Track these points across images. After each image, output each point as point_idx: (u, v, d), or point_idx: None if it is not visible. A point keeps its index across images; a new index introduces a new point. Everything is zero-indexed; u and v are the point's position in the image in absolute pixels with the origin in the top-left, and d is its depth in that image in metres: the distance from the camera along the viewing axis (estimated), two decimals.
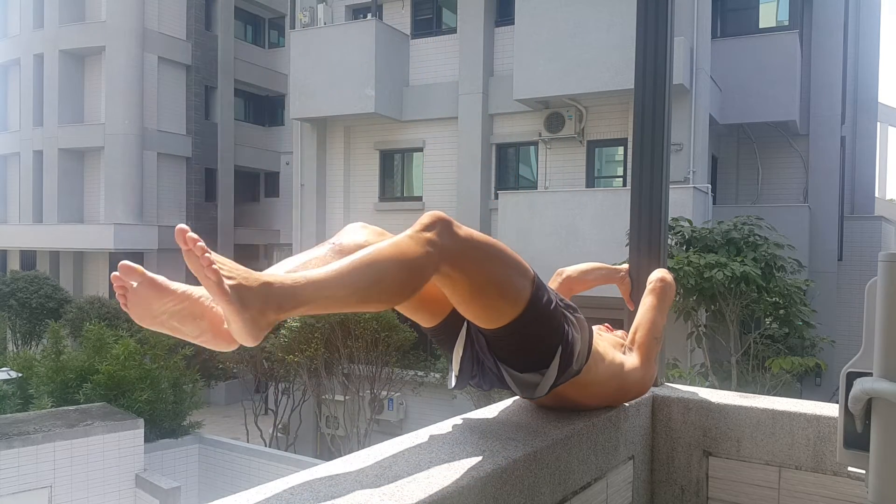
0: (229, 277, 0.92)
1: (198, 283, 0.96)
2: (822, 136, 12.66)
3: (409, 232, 1.11)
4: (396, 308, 1.27)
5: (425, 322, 1.37)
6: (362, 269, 1.03)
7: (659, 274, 1.82)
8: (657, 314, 1.72)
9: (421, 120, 13.07)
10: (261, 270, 1.01)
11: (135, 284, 0.98)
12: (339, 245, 1.22)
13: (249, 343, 0.96)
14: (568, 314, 1.35)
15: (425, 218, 1.13)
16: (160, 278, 0.98)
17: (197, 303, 0.99)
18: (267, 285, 0.94)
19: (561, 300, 1.37)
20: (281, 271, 1.09)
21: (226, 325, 0.96)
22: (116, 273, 0.98)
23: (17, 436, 7.68)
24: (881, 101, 17.60)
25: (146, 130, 20.20)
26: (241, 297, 0.92)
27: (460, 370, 1.37)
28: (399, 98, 13.09)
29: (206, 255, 0.90)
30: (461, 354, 1.35)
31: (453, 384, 1.41)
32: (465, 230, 1.17)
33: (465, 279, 1.17)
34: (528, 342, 1.29)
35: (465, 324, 1.33)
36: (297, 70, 13.46)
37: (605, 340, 1.60)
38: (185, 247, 0.91)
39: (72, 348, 12.43)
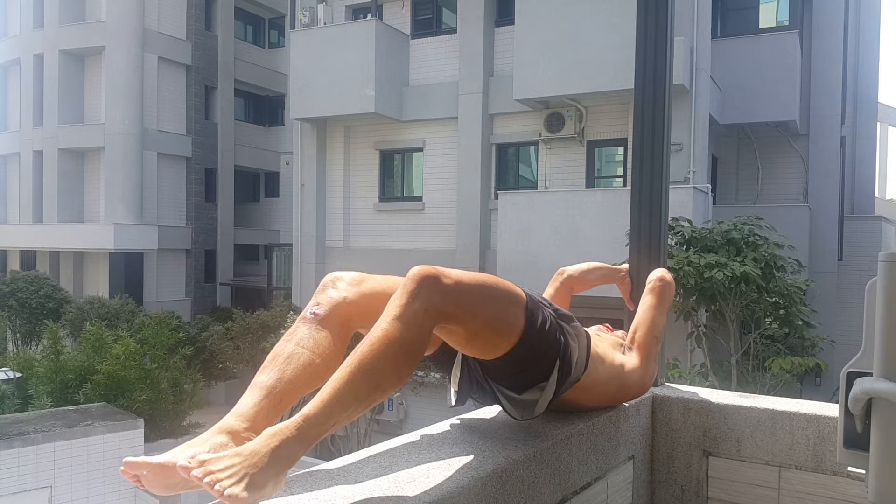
0: (240, 478, 0.91)
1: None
2: (822, 136, 12.66)
3: (396, 304, 1.06)
4: None
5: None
6: (359, 380, 1.01)
7: (658, 273, 1.82)
8: (656, 314, 1.72)
9: (421, 120, 13.07)
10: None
11: (145, 472, 0.99)
12: (319, 317, 1.17)
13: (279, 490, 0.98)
14: (563, 325, 1.35)
15: (410, 284, 1.08)
16: (166, 459, 0.98)
17: (207, 472, 0.98)
18: (275, 451, 0.94)
19: (556, 311, 1.36)
20: (258, 402, 1.08)
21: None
22: (124, 469, 1.00)
23: (17, 436, 7.68)
24: (881, 101, 17.61)
25: (146, 130, 20.20)
26: (254, 483, 0.92)
27: (459, 388, 1.38)
28: (399, 98, 13.09)
29: (206, 479, 0.90)
30: (459, 375, 1.36)
31: (453, 403, 1.41)
32: (453, 278, 1.12)
33: (460, 328, 1.16)
34: (525, 364, 1.29)
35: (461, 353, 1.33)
36: (297, 70, 13.45)
37: (605, 341, 1.60)
38: (198, 481, 0.91)
39: (71, 348, 12.44)
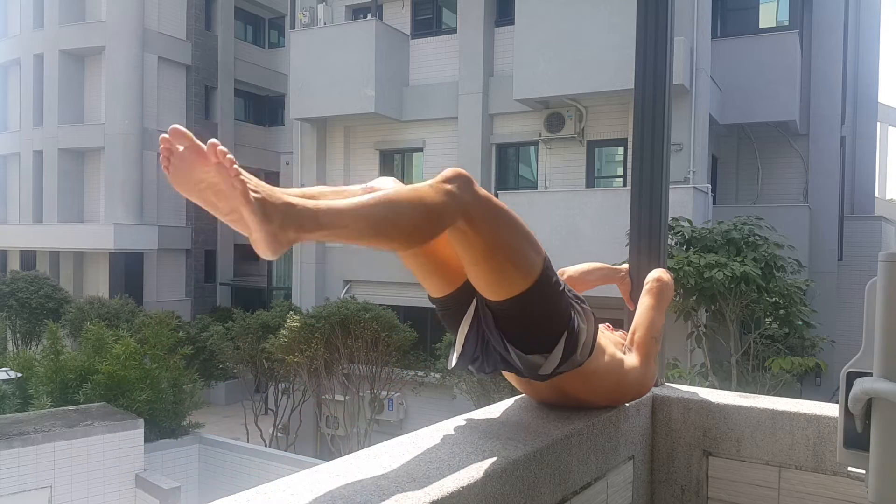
0: (255, 191, 0.95)
1: None
2: (822, 135, 12.66)
3: (430, 182, 1.14)
4: (411, 268, 1.32)
5: (436, 289, 1.36)
6: (381, 205, 1.07)
7: (656, 274, 1.82)
8: (655, 314, 1.72)
9: (421, 120, 13.07)
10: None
11: (181, 148, 0.99)
12: (369, 188, 1.24)
13: (268, 256, 0.99)
14: (575, 304, 1.37)
15: (447, 172, 1.16)
16: (205, 148, 1.00)
17: (235, 179, 1.01)
18: (289, 205, 0.98)
19: (569, 289, 1.39)
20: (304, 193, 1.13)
21: (249, 235, 0.99)
22: (165, 135, 1.00)
23: (17, 436, 7.68)
24: (881, 100, 17.61)
25: (146, 130, 20.20)
26: (265, 209, 0.95)
27: (463, 350, 1.36)
28: (399, 98, 13.09)
29: (235, 165, 0.93)
30: (466, 331, 1.35)
31: (454, 363, 1.40)
32: (484, 191, 1.20)
33: (479, 238, 1.19)
34: (535, 320, 1.30)
35: (474, 301, 1.33)
36: (297, 70, 13.46)
37: (606, 338, 1.60)
38: (214, 159, 0.94)
39: (71, 348, 12.44)
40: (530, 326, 1.31)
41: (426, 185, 1.13)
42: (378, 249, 1.14)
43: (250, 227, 0.96)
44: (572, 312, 1.34)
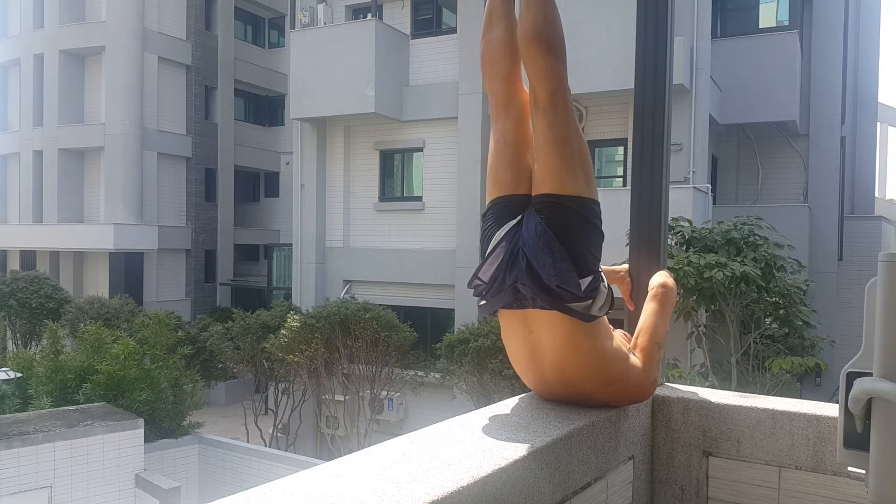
0: None
1: None
2: (822, 136, 12.66)
3: None
4: (495, 151, 1.50)
5: (500, 186, 1.47)
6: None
7: (660, 279, 1.81)
8: (659, 320, 1.72)
9: (421, 120, 13.06)
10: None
11: None
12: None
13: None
14: (600, 270, 1.48)
15: None
16: None
17: None
18: None
19: None
20: None
21: None
22: None
23: (17, 436, 7.68)
24: (881, 101, 17.61)
25: (146, 130, 20.21)
26: None
27: (492, 251, 1.42)
28: (399, 98, 13.09)
29: None
30: (504, 232, 1.42)
31: (474, 284, 1.47)
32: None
33: (564, 123, 1.40)
34: (578, 234, 1.40)
35: (523, 215, 1.42)
36: (297, 70, 13.45)
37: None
38: None
39: (71, 348, 12.43)
40: (572, 238, 1.39)
41: None
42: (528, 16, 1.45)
43: None
44: (598, 268, 1.46)
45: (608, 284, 1.49)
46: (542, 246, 1.36)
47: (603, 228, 1.50)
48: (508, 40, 1.49)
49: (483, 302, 1.47)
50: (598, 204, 1.45)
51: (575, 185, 1.39)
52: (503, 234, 1.41)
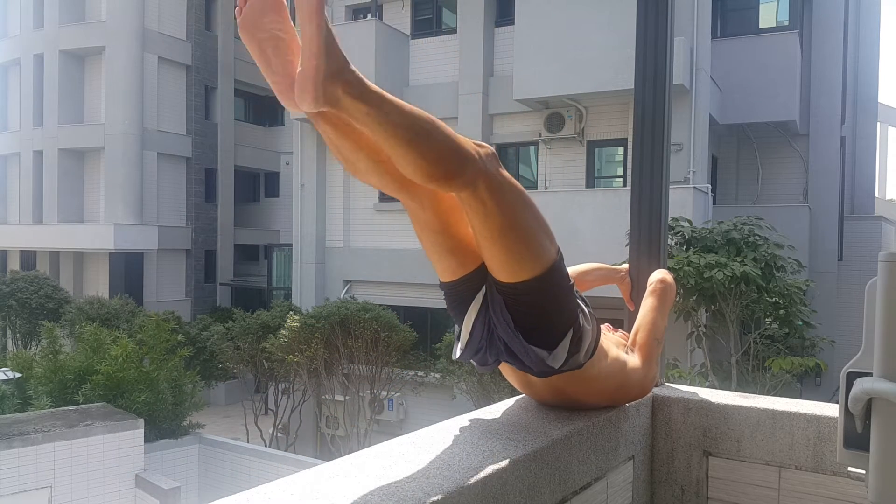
0: (328, 29, 0.98)
1: None
2: (822, 136, 12.66)
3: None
4: (427, 245, 1.30)
5: (449, 272, 1.33)
6: (425, 118, 1.09)
7: (659, 275, 1.82)
8: (658, 315, 1.72)
9: None
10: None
11: None
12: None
13: (307, 101, 1.00)
14: (581, 304, 1.37)
15: (479, 142, 1.19)
16: None
17: (297, 42, 1.05)
18: (348, 63, 1.00)
19: (577, 291, 1.38)
20: None
21: (298, 68, 1.00)
22: None
23: (17, 436, 7.68)
24: (881, 101, 17.62)
25: (146, 130, 20.20)
26: (329, 45, 0.98)
27: (469, 338, 1.35)
28: (399, 98, 13.07)
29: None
30: (474, 317, 1.33)
31: (458, 354, 1.39)
32: (509, 174, 1.23)
33: (497, 212, 1.19)
34: (545, 308, 1.29)
35: (484, 287, 1.31)
36: None
37: (608, 340, 1.60)
38: None
39: (71, 349, 12.42)
40: (539, 315, 1.30)
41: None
42: (399, 163, 1.12)
43: (306, 54, 0.98)
44: (578, 312, 1.34)
45: (589, 315, 1.39)
46: (511, 334, 1.30)
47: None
48: (383, 168, 1.20)
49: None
50: (557, 261, 1.29)
51: (529, 268, 1.24)
52: (473, 318, 1.33)
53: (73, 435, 8.05)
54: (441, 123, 1.12)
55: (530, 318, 1.29)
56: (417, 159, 1.09)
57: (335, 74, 0.98)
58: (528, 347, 1.31)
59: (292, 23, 1.05)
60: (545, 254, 1.26)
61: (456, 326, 1.39)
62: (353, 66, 1.01)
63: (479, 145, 1.18)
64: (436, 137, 1.09)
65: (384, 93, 1.05)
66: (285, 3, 1.04)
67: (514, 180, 1.23)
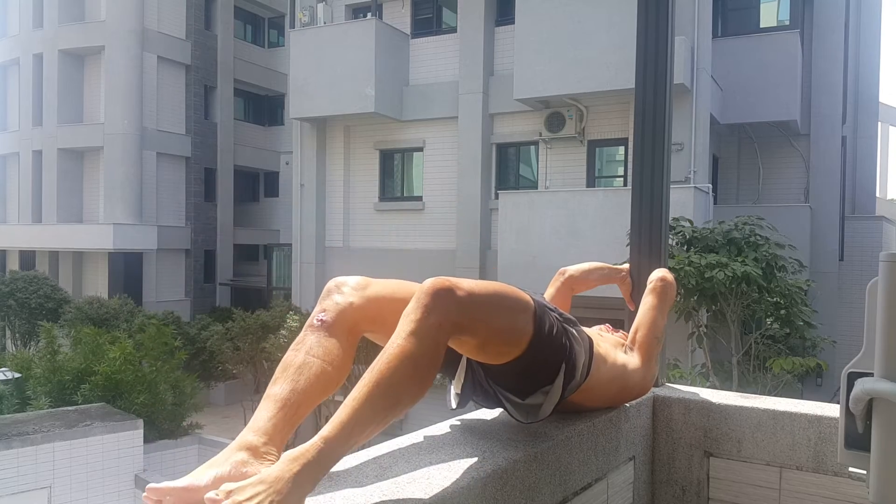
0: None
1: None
2: (823, 135, 12.65)
3: (411, 319, 1.05)
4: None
5: None
6: (377, 398, 1.00)
7: (659, 273, 1.81)
8: (658, 314, 1.72)
9: (421, 120, 13.06)
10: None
11: (169, 499, 0.96)
12: (326, 324, 1.15)
13: None
14: (569, 329, 1.34)
15: (424, 297, 1.06)
16: (189, 483, 0.97)
17: (233, 477, 0.98)
18: (298, 476, 0.92)
19: (560, 315, 1.36)
20: (273, 416, 1.07)
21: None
22: (147, 495, 0.97)
23: (16, 436, 7.67)
24: (882, 100, 17.61)
25: (146, 130, 20.20)
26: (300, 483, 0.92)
27: (461, 392, 1.37)
28: (399, 98, 13.08)
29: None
30: (462, 380, 1.35)
31: (454, 406, 1.40)
32: (466, 290, 1.11)
33: (472, 339, 1.16)
34: (530, 369, 1.28)
35: (465, 356, 1.31)
36: (296, 69, 13.45)
37: (607, 341, 1.59)
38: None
39: (70, 349, 12.42)
40: (526, 376, 1.29)
41: (408, 333, 1.03)
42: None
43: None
44: (567, 342, 1.32)
45: (577, 335, 1.36)
46: (493, 394, 1.32)
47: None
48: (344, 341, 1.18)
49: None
50: (534, 333, 1.24)
51: (509, 355, 1.22)
52: (462, 379, 1.35)
53: (73, 435, 8.05)
54: (390, 368, 1.01)
55: (518, 380, 1.30)
56: (412, 403, 1.09)
57: (300, 499, 0.93)
58: (521, 404, 1.32)
59: (208, 478, 0.97)
60: (523, 335, 1.22)
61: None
62: (297, 466, 0.93)
63: (425, 310, 1.05)
64: (402, 391, 1.04)
65: (333, 432, 0.97)
66: (191, 484, 0.96)
67: (473, 293, 1.12)
